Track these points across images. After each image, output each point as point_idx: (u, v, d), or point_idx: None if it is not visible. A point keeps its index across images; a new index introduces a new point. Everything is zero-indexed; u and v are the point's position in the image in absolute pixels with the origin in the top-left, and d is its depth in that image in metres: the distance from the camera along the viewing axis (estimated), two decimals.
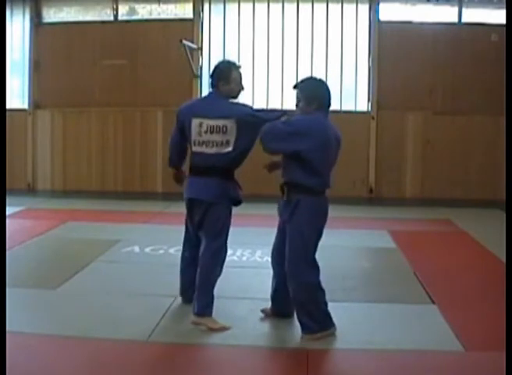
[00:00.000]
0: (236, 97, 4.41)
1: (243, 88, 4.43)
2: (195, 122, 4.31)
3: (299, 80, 4.24)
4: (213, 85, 4.38)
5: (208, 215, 4.30)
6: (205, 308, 4.25)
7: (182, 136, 4.50)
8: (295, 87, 4.15)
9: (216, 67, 4.47)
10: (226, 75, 4.32)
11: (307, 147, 3.94)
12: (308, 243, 4.06)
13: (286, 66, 11.01)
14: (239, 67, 4.41)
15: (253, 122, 4.22)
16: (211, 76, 4.41)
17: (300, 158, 3.97)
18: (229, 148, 4.24)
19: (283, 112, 4.32)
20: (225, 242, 4.38)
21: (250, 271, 5.81)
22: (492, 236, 7.20)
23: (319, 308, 4.09)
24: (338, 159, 4.21)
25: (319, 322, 4.08)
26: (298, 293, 4.07)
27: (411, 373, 3.66)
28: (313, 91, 4.08)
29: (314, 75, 4.34)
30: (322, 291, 4.12)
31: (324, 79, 4.31)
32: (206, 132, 4.27)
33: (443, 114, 10.74)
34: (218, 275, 4.36)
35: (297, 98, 4.11)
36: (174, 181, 4.80)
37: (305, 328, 4.09)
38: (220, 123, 4.23)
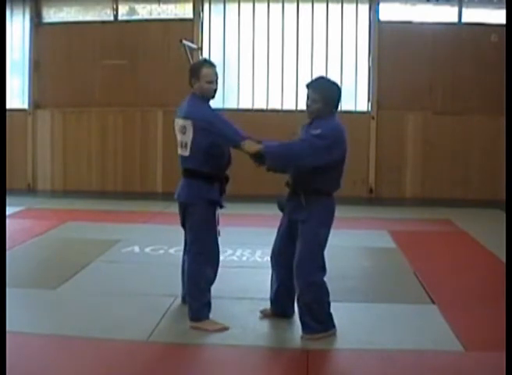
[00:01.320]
0: (211, 97, 4.30)
1: (216, 88, 4.30)
2: (175, 122, 4.35)
3: (311, 79, 4.19)
4: (190, 84, 4.33)
5: (187, 216, 4.31)
6: (199, 312, 4.24)
7: None
8: (308, 86, 4.09)
9: (190, 65, 4.49)
10: (196, 71, 4.25)
11: (339, 156, 4.02)
12: (322, 243, 4.09)
13: (286, 66, 11.01)
14: (212, 65, 4.30)
15: (207, 128, 4.11)
16: (189, 74, 4.35)
17: (328, 166, 3.99)
18: (187, 154, 4.21)
19: (241, 135, 4.14)
20: (209, 245, 4.28)
21: (250, 271, 5.81)
22: (492, 236, 7.19)
23: (323, 309, 4.10)
24: None
25: (321, 322, 4.08)
26: (305, 292, 4.07)
27: (411, 373, 3.66)
28: (330, 93, 4.04)
29: (314, 75, 4.33)
30: (327, 292, 4.13)
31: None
32: (178, 131, 4.29)
33: (443, 114, 10.74)
34: (209, 277, 4.29)
35: (311, 98, 4.04)
36: None
37: (307, 328, 4.08)
38: (182, 122, 4.22)
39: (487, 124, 10.64)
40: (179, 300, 4.72)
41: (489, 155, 10.59)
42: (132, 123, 11.28)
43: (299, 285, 4.08)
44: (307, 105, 4.08)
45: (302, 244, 4.07)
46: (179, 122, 4.27)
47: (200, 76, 4.23)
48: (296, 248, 4.09)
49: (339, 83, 4.16)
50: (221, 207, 4.35)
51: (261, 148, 3.98)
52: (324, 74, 10.47)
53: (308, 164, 3.93)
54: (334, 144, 3.96)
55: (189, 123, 4.16)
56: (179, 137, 4.29)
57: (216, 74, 4.31)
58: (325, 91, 4.03)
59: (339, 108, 4.17)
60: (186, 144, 4.20)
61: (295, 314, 4.32)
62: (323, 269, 4.10)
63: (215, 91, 4.31)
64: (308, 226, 4.05)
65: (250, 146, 4.03)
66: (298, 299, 4.14)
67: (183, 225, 4.42)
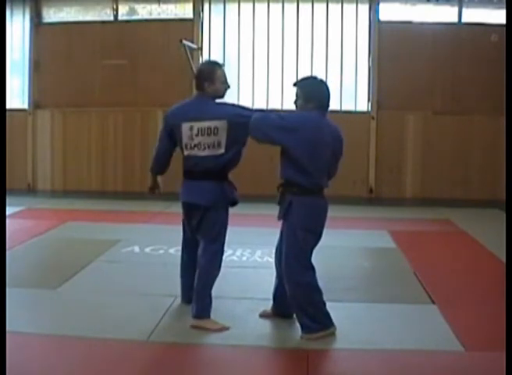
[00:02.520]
0: (222, 96, 4.38)
1: (228, 87, 4.40)
2: (185, 126, 4.29)
3: (299, 78, 4.25)
4: (199, 87, 4.36)
5: (206, 218, 4.29)
6: (204, 310, 4.25)
7: (170, 141, 4.46)
8: (295, 84, 4.15)
9: (199, 69, 4.49)
10: (210, 75, 4.31)
11: (295, 143, 3.92)
12: (302, 244, 4.03)
13: (286, 66, 11.01)
14: (222, 66, 4.40)
15: (244, 122, 4.16)
16: (196, 78, 4.40)
17: (289, 154, 3.98)
18: (222, 150, 4.22)
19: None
20: (223, 244, 4.36)
21: (250, 271, 5.81)
22: (492, 236, 7.20)
23: (317, 308, 4.09)
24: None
25: (318, 322, 4.07)
26: (295, 293, 4.07)
27: (411, 373, 3.66)
28: (312, 91, 4.07)
29: (315, 75, 4.34)
30: (319, 291, 4.10)
31: (324, 79, 4.30)
32: (197, 135, 4.25)
33: (443, 114, 10.74)
34: (216, 276, 4.36)
35: (296, 95, 4.12)
36: (148, 190, 4.83)
37: (305, 328, 4.08)
38: (211, 124, 4.21)
39: (487, 124, 10.64)
40: (179, 300, 4.73)
41: (489, 155, 10.59)
42: (132, 123, 11.27)
43: (288, 286, 4.08)
44: (294, 102, 4.16)
45: (284, 245, 4.07)
46: (195, 125, 4.23)
47: (215, 78, 4.30)
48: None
49: (327, 83, 4.17)
50: (234, 205, 4.40)
51: None
52: (324, 74, 10.53)
53: (259, 134, 4.01)
54: (289, 127, 3.94)
55: (223, 122, 4.19)
56: (201, 138, 4.23)
57: (225, 73, 4.40)
58: (306, 89, 4.08)
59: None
60: (219, 144, 4.21)
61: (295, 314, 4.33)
62: (310, 268, 4.07)
63: (226, 89, 4.38)
64: (286, 226, 4.06)
65: None
66: (290, 301, 4.14)
67: (198, 227, 4.35)
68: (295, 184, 4.01)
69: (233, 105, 4.42)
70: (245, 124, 4.15)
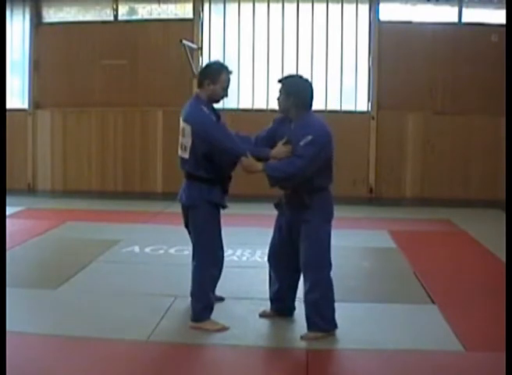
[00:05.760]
0: (218, 101, 4.30)
1: (226, 95, 4.30)
2: (180, 124, 4.34)
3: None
4: (199, 84, 4.26)
5: (189, 218, 4.32)
6: (201, 313, 4.25)
7: None
8: (280, 81, 4.23)
9: (207, 65, 4.39)
10: (215, 74, 4.20)
11: (330, 153, 4.11)
12: (327, 239, 4.15)
13: (286, 66, 10.99)
14: (230, 72, 4.29)
15: (201, 136, 4.10)
16: (200, 73, 4.31)
17: (322, 166, 4.08)
18: (186, 156, 4.21)
19: (240, 149, 4.11)
20: (212, 246, 4.28)
21: (250, 271, 5.81)
22: (492, 236, 7.20)
23: (330, 307, 4.13)
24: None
25: (328, 321, 4.10)
26: (313, 289, 4.09)
27: (411, 373, 3.66)
28: (292, 86, 4.15)
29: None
30: (333, 288, 4.16)
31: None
32: (179, 133, 4.29)
33: (443, 114, 10.74)
34: (213, 279, 4.32)
35: (279, 91, 4.19)
36: None
37: (312, 326, 4.09)
38: (182, 125, 4.23)
39: (487, 124, 10.64)
40: (179, 300, 4.73)
41: (489, 155, 10.59)
42: (132, 123, 11.27)
43: (308, 283, 4.11)
44: (277, 98, 4.22)
45: (308, 243, 4.09)
46: (181, 124, 4.28)
47: (219, 80, 4.20)
48: (302, 247, 4.12)
49: (311, 83, 4.22)
50: (223, 208, 4.35)
51: (261, 170, 4.07)
52: (324, 74, 10.53)
53: (309, 174, 4.03)
54: (325, 144, 4.06)
55: (188, 127, 4.16)
56: (180, 138, 4.29)
57: (229, 81, 4.30)
58: (287, 83, 4.17)
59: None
60: (186, 148, 4.20)
61: (295, 313, 4.35)
62: (330, 265, 4.15)
63: (223, 96, 4.30)
64: (312, 224, 4.09)
65: (250, 165, 4.09)
66: (306, 296, 4.15)
67: (187, 226, 4.42)
68: (318, 186, 4.11)
69: (211, 117, 4.18)
70: (204, 139, 4.09)
